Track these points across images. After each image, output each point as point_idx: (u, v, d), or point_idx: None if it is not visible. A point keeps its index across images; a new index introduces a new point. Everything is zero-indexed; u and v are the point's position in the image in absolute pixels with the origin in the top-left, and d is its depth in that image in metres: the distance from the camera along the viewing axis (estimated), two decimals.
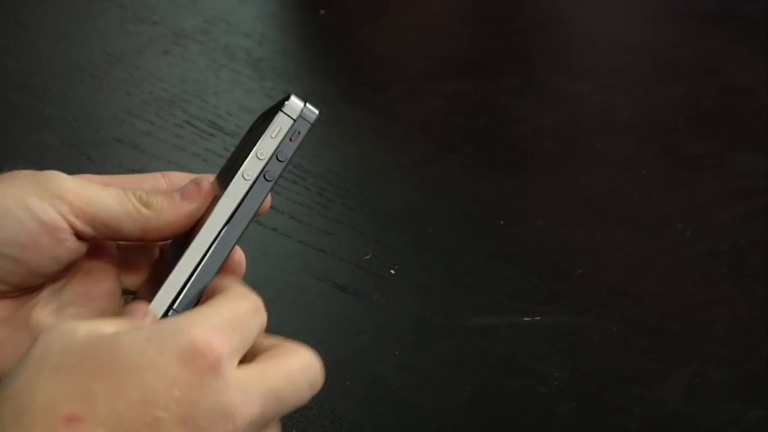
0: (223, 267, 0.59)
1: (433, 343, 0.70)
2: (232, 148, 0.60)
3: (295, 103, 0.60)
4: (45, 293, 0.58)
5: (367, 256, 0.77)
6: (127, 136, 0.88)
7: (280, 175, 0.60)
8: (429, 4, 1.12)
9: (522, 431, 0.64)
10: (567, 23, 1.09)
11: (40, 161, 0.88)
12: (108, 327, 0.49)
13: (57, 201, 0.56)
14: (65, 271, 0.59)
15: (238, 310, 0.51)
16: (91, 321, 0.49)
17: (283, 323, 0.70)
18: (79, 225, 0.57)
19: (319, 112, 0.61)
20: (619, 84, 0.97)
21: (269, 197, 0.62)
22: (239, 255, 0.60)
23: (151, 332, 0.48)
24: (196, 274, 0.58)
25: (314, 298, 0.73)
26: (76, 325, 0.48)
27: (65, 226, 0.56)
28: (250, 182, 0.59)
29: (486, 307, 0.73)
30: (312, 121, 0.60)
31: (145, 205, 0.59)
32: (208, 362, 0.48)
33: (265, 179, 0.59)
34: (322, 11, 1.07)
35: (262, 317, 0.53)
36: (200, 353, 0.47)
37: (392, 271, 0.75)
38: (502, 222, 0.81)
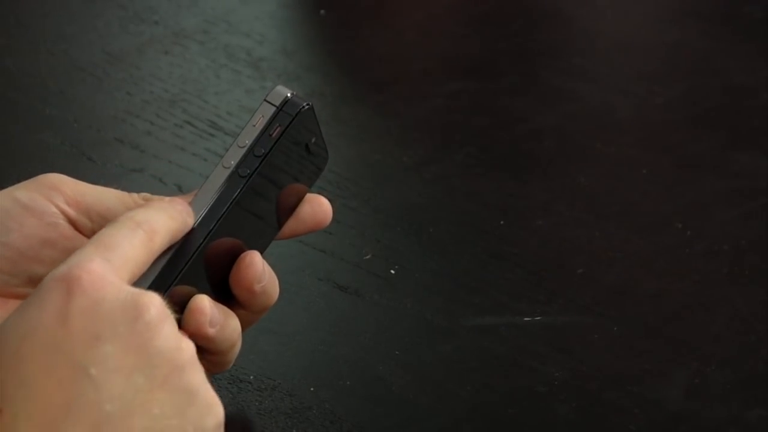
0: (239, 273, 0.58)
1: (433, 343, 0.70)
2: None
3: (278, 92, 0.60)
4: None
5: (367, 256, 0.77)
6: (127, 136, 0.88)
7: (257, 171, 0.59)
8: (429, 4, 1.12)
9: (522, 431, 0.64)
10: (567, 23, 1.09)
11: (40, 161, 0.89)
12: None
13: (48, 191, 0.56)
14: None
15: (110, 236, 0.49)
16: None
17: (283, 323, 0.70)
18: (72, 213, 0.56)
19: (306, 106, 0.60)
20: (619, 84, 0.97)
21: (326, 208, 0.61)
22: (250, 258, 0.59)
23: (24, 301, 0.46)
24: (167, 265, 0.56)
25: (314, 298, 0.73)
26: None
27: (54, 210, 0.56)
28: (230, 170, 0.58)
29: (486, 307, 0.73)
30: (293, 113, 0.59)
31: (145, 200, 0.59)
32: (89, 278, 0.46)
33: (239, 175, 0.58)
34: (322, 11, 1.07)
35: (145, 228, 0.51)
36: (75, 277, 0.46)
37: (392, 271, 0.75)
38: (502, 222, 0.81)
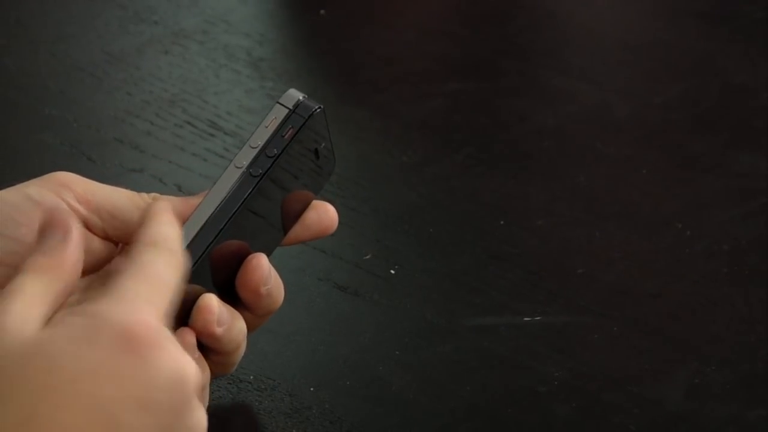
0: (245, 275, 0.58)
1: (433, 343, 0.70)
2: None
3: (290, 94, 0.60)
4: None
5: (367, 256, 0.77)
6: (127, 136, 0.88)
7: (268, 172, 0.59)
8: (429, 4, 1.12)
9: (522, 431, 0.64)
10: (567, 23, 1.09)
11: (40, 161, 0.89)
12: (31, 322, 0.46)
13: (59, 189, 0.56)
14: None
15: (158, 271, 0.48)
16: (11, 312, 0.46)
17: (283, 323, 0.70)
18: (83, 211, 0.56)
19: (318, 109, 0.60)
20: (619, 84, 0.97)
21: (332, 216, 0.61)
22: (257, 260, 0.59)
23: (76, 330, 0.45)
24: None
25: (314, 298, 0.73)
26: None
27: (64, 207, 0.56)
28: (242, 170, 0.59)
29: (486, 307, 0.73)
30: (306, 115, 0.60)
31: (154, 200, 0.58)
32: (148, 340, 0.45)
33: (251, 175, 0.59)
34: (322, 11, 1.07)
35: (178, 264, 0.50)
36: (136, 335, 0.45)
37: (392, 271, 0.75)
38: (502, 222, 0.81)
